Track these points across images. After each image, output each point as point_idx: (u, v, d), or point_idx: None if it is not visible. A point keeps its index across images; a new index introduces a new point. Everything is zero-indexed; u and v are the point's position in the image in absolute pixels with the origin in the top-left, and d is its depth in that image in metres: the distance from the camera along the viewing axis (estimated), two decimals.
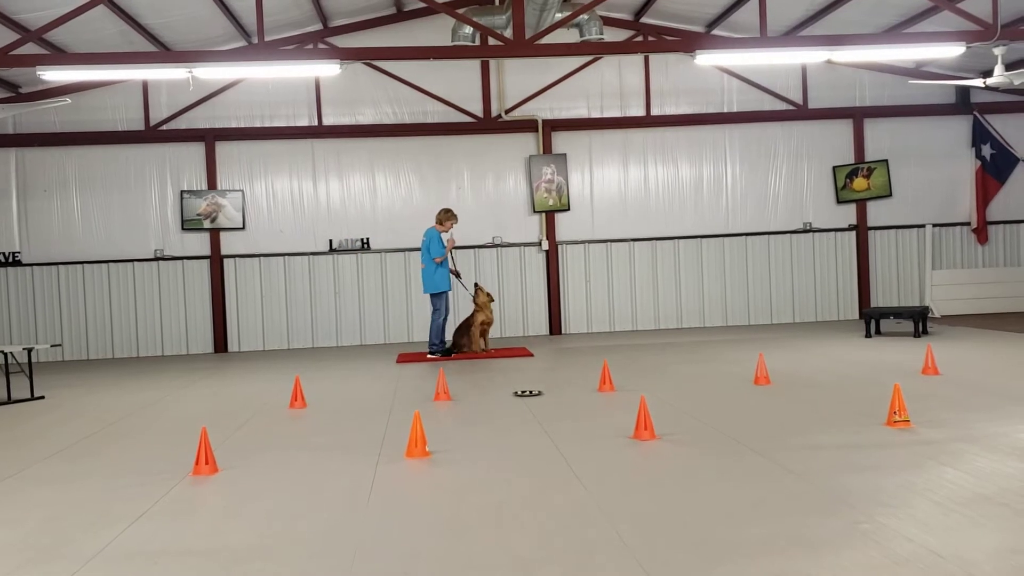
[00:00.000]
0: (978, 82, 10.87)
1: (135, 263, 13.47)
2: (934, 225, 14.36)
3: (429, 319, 11.43)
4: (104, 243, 13.43)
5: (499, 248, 13.96)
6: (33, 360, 9.29)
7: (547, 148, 13.91)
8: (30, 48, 10.39)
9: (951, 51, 9.90)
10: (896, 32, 11.94)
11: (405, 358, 11.31)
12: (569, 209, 13.99)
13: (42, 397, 9.07)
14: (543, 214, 13.96)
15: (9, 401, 8.76)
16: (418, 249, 13.85)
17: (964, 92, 14.09)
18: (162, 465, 5.61)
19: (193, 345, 13.53)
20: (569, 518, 4.11)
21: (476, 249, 13.90)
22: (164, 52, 11.58)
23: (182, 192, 13.49)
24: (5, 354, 8.96)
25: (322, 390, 8.73)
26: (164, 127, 13.40)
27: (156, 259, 13.50)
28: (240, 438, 6.43)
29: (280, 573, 3.56)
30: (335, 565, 3.61)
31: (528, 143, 13.99)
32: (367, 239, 13.79)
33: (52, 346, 11.65)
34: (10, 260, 13.30)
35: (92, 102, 13.22)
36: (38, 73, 9.28)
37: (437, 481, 4.98)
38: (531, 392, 7.87)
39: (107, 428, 7.12)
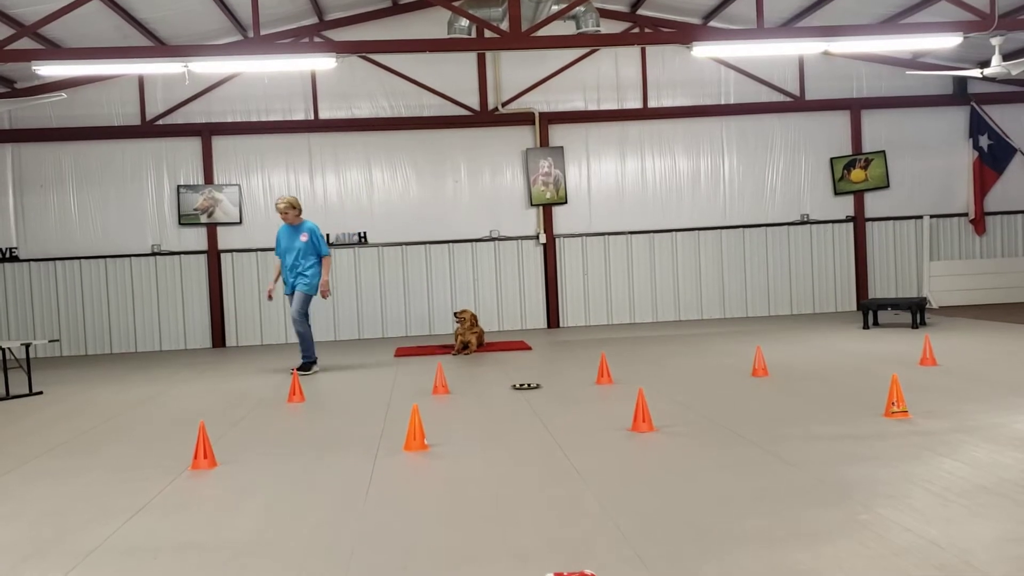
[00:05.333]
0: (975, 72, 10.87)
1: (132, 258, 13.45)
2: (932, 216, 14.37)
3: (302, 328, 9.54)
4: (101, 238, 13.41)
5: (496, 241, 13.95)
6: (31, 355, 9.29)
7: (544, 141, 13.89)
8: (25, 43, 10.36)
9: (948, 41, 9.89)
10: (893, 22, 11.93)
11: (403, 352, 11.31)
12: (566, 202, 13.98)
13: (40, 392, 9.07)
14: (540, 207, 13.95)
15: (7, 397, 8.75)
16: (415, 243, 13.93)
17: (961, 83, 14.08)
18: (160, 460, 5.60)
19: (191, 340, 13.52)
20: (567, 510, 4.11)
21: (473, 243, 13.90)
22: (160, 47, 11.54)
23: (179, 187, 13.47)
24: (3, 350, 8.95)
25: (320, 384, 8.73)
26: (160, 122, 13.37)
27: (153, 254, 13.48)
28: (238, 432, 6.43)
29: (279, 566, 3.56)
30: (334, 558, 3.61)
31: (525, 136, 13.97)
32: (364, 233, 13.77)
33: (50, 341, 11.61)
34: (7, 256, 13.27)
35: (88, 97, 13.18)
36: (33, 68, 9.26)
37: (436, 474, 4.98)
38: (529, 385, 7.88)
39: (105, 423, 7.12)
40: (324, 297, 9.60)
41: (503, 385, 8.06)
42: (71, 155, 13.35)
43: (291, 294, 9.59)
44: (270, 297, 9.87)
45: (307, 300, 9.53)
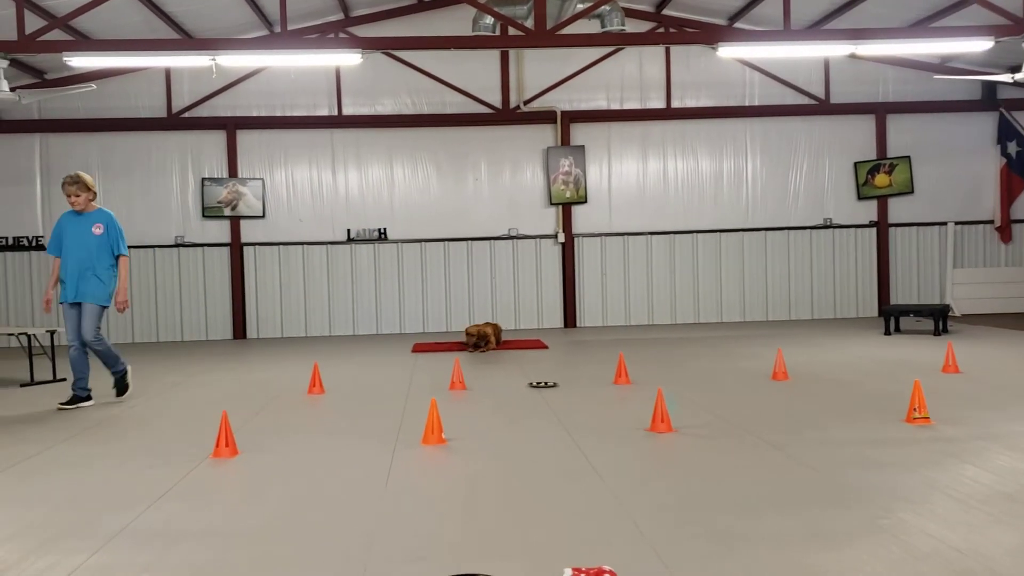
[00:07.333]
0: (1006, 77, 10.74)
1: (156, 249, 13.59)
2: (956, 223, 14.23)
3: (101, 346, 7.36)
4: (126, 229, 13.30)
5: (515, 240, 13.96)
6: (56, 343, 9.40)
7: (565, 140, 13.88)
8: (56, 34, 10.48)
9: (979, 46, 9.78)
10: (922, 26, 11.82)
11: (420, 348, 11.35)
12: (586, 202, 13.97)
13: (64, 379, 9.17)
14: (560, 206, 13.94)
15: (32, 383, 8.87)
16: (434, 240, 13.98)
17: (990, 88, 13.93)
18: (182, 447, 5.66)
19: (212, 331, 13.64)
20: (585, 507, 4.11)
21: (492, 241, 13.92)
22: (187, 40, 11.64)
23: (203, 180, 13.58)
24: (28, 336, 9.07)
25: (340, 377, 8.78)
26: (186, 115, 13.49)
27: (177, 246, 13.61)
28: (259, 422, 6.48)
29: (299, 554, 3.58)
30: (353, 547, 3.63)
31: (546, 135, 13.97)
32: (384, 229, 13.83)
33: None
34: (33, 244, 13.45)
35: (116, 89, 13.33)
36: (64, 59, 9.36)
37: (454, 468, 5.00)
38: (546, 384, 7.88)
39: (128, 410, 7.20)
40: (121, 310, 7.38)
41: (520, 383, 8.07)
42: (98, 146, 13.50)
43: (74, 302, 7.28)
44: (47, 307, 7.44)
45: (100, 315, 7.31)
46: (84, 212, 7.37)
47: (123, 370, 7.67)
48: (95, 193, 7.47)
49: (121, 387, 7.67)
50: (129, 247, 13.26)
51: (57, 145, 13.45)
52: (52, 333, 9.11)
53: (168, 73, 13.39)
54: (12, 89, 9.95)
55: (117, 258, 7.42)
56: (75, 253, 7.28)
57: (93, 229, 7.31)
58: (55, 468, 5.22)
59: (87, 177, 7.37)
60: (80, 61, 9.64)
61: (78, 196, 7.28)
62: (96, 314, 7.28)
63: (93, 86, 10.70)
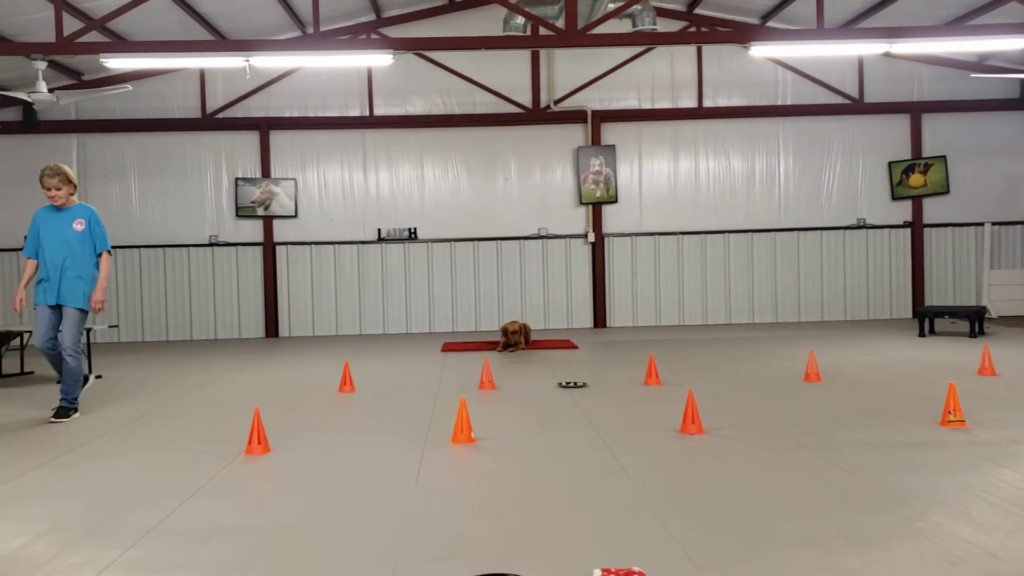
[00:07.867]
0: None
1: (190, 248, 13.78)
2: (993, 223, 13.98)
3: (76, 361, 6.72)
4: (160, 228, 13.76)
5: (544, 240, 13.96)
6: (91, 340, 9.56)
7: (596, 139, 13.85)
8: (93, 36, 10.68)
9: (1016, 43, 9.61)
10: (958, 24, 11.63)
11: (450, 347, 11.39)
12: (616, 201, 13.93)
13: (99, 376, 9.34)
14: (590, 206, 13.91)
15: None
16: (464, 240, 14.01)
17: None
18: (215, 444, 5.73)
19: (245, 329, 13.80)
20: (615, 508, 4.10)
21: (521, 240, 13.93)
22: (221, 41, 11.78)
23: (236, 179, 13.75)
24: None
25: (370, 376, 8.84)
26: (220, 115, 13.66)
27: (210, 245, 13.79)
28: (291, 420, 6.54)
29: (329, 551, 3.62)
30: (382, 544, 3.66)
31: (576, 134, 13.95)
32: (414, 229, 13.90)
33: (109, 327, 11.97)
34: None
35: (151, 90, 13.53)
36: (101, 60, 9.53)
37: (483, 467, 5.01)
38: (576, 384, 7.87)
39: (162, 407, 7.31)
40: (96, 311, 6.76)
41: (549, 383, 8.07)
42: (134, 146, 13.72)
43: (54, 305, 6.65)
44: (19, 308, 6.70)
45: (84, 320, 6.76)
46: (64, 207, 6.75)
47: (73, 408, 6.82)
48: (76, 187, 6.83)
49: (61, 414, 6.73)
50: (163, 246, 13.72)
51: (94, 145, 13.69)
52: (88, 331, 9.27)
53: (202, 74, 13.57)
54: (50, 90, 10.16)
55: (100, 255, 6.84)
56: (54, 251, 6.65)
57: (74, 225, 6.69)
58: (89, 464, 5.31)
59: (69, 170, 6.74)
60: (117, 62, 9.80)
61: (59, 189, 6.63)
62: (79, 320, 6.69)
63: (129, 87, 10.88)
